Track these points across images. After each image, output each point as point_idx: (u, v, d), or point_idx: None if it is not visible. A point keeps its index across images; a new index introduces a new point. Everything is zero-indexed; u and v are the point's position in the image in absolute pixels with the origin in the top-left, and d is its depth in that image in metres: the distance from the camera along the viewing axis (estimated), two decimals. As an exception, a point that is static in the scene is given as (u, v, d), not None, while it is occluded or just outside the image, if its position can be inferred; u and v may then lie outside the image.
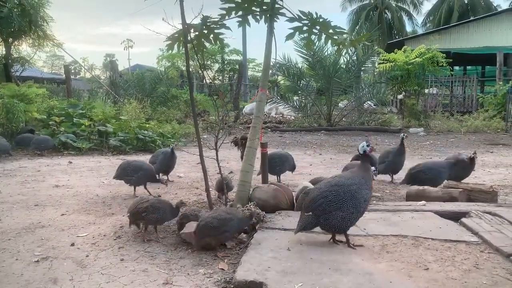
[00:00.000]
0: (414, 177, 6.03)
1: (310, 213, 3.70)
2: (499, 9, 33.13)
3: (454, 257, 3.41)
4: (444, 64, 17.39)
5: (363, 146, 3.80)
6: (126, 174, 5.90)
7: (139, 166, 5.90)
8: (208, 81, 13.97)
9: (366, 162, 3.82)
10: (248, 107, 21.08)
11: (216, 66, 35.50)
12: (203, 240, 3.76)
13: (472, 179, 6.27)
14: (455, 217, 4.48)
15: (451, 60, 18.12)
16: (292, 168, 6.85)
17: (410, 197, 5.41)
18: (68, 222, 4.66)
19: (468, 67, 31.89)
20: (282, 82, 22.31)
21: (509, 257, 3.35)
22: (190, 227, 3.91)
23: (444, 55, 17.36)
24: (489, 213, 4.48)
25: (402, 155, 6.83)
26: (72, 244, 3.93)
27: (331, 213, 3.58)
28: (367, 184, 3.66)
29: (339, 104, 19.32)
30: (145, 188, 5.93)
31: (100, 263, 3.49)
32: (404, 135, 7.13)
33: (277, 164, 6.62)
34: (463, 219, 4.33)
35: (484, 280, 3.00)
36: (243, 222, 3.92)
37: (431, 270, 3.17)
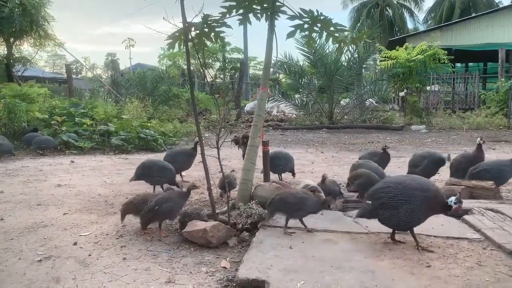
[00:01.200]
0: (477, 177, 5.52)
1: (370, 202, 3.75)
2: (501, 6, 33.01)
3: (456, 254, 3.41)
4: (446, 61, 17.34)
5: (451, 201, 3.50)
6: (151, 173, 5.83)
7: (165, 167, 5.92)
8: (209, 79, 13.99)
9: (446, 210, 3.62)
10: (249, 106, 21.06)
11: (217, 65, 35.47)
12: (274, 213, 3.94)
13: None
14: (457, 214, 4.46)
15: (452, 57, 18.08)
16: (292, 169, 6.82)
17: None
18: (70, 221, 4.67)
19: (470, 64, 31.82)
20: (283, 80, 22.27)
21: (511, 254, 3.35)
22: (192, 225, 3.91)
23: (446, 52, 17.32)
24: (492, 210, 4.47)
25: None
26: (75, 243, 3.94)
27: (388, 209, 3.57)
28: (430, 205, 3.51)
29: (341, 102, 19.29)
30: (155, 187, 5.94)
31: (103, 262, 3.50)
32: (481, 139, 6.45)
33: (281, 163, 6.63)
34: (466, 216, 4.33)
35: (486, 277, 3.00)
36: (317, 205, 4.01)
37: (433, 268, 3.17)
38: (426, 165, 6.14)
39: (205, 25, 4.78)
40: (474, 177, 5.54)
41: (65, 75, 23.08)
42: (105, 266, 3.42)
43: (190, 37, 4.62)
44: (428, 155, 6.32)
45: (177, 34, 4.74)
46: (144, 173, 5.89)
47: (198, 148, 6.06)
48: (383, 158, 6.46)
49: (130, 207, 4.37)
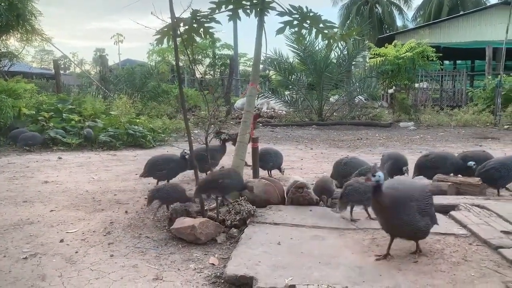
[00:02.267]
0: (486, 176, 5.23)
1: None
2: (488, 4, 33.35)
3: (443, 250, 3.44)
4: (434, 59, 17.47)
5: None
6: (157, 169, 5.84)
7: (169, 159, 5.95)
8: (198, 76, 13.96)
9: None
10: (239, 102, 21.02)
11: (207, 61, 35.33)
12: (347, 204, 4.18)
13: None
14: (444, 210, 4.51)
15: (441, 54, 18.22)
16: (280, 166, 6.83)
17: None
18: (57, 218, 4.62)
19: (458, 62, 32.14)
20: (273, 76, 22.25)
21: (497, 249, 3.39)
22: (181, 222, 3.89)
23: (434, 49, 17.44)
24: (478, 206, 4.52)
25: None
26: (61, 241, 3.90)
27: None
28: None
29: (330, 99, 19.35)
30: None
31: (90, 259, 3.47)
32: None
33: (271, 160, 6.64)
34: (452, 212, 4.37)
35: (472, 272, 3.03)
36: None
37: (420, 263, 3.20)
38: (449, 167, 5.77)
39: (194, 21, 4.76)
40: (482, 176, 5.29)
41: (53, 70, 22.78)
42: (92, 263, 3.39)
43: (178, 32, 4.59)
44: (452, 158, 5.89)
45: (166, 29, 4.71)
46: (152, 168, 5.86)
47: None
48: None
49: (160, 193, 4.50)
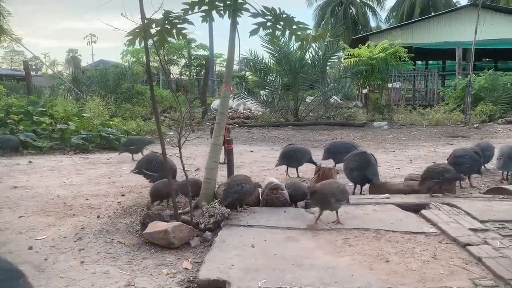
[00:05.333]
0: None
1: None
2: (458, 5, 34.23)
3: (413, 249, 3.50)
4: (407, 59, 17.78)
5: None
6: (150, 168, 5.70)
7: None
8: (172, 77, 13.83)
9: None
10: (215, 103, 20.92)
11: (183, 61, 35.04)
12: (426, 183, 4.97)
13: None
14: (415, 209, 4.62)
15: (413, 55, 18.56)
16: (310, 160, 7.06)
17: (373, 190, 5.51)
18: (26, 224, 4.49)
19: (430, 62, 32.82)
20: (250, 77, 22.24)
21: (465, 246, 3.47)
22: (153, 226, 3.84)
23: (406, 50, 17.75)
24: (448, 204, 4.63)
25: None
26: (30, 248, 3.79)
27: None
28: None
29: (306, 99, 19.47)
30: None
31: (59, 267, 3.39)
32: None
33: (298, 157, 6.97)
34: (423, 211, 4.46)
35: (441, 270, 3.10)
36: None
37: (391, 262, 3.24)
38: None
39: (166, 22, 4.71)
40: None
41: (24, 71, 22.16)
42: (61, 271, 3.30)
43: (151, 33, 4.54)
44: None
45: (137, 30, 4.65)
46: (147, 167, 5.72)
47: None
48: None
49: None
